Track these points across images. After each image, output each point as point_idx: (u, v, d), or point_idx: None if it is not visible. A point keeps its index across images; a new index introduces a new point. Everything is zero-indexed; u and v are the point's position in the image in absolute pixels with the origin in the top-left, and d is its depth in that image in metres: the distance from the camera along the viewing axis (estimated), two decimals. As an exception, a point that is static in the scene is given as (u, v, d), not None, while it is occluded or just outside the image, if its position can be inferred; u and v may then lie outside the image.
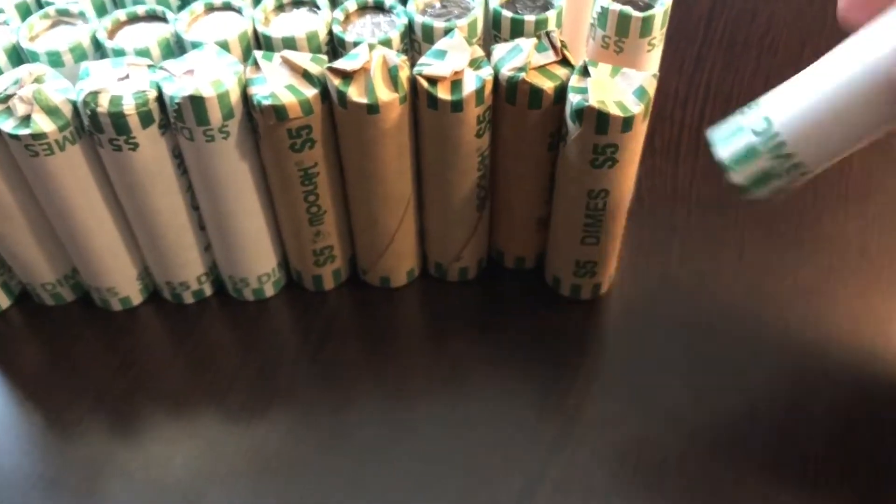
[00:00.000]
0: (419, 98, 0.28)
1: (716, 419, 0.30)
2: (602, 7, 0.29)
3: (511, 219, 0.33)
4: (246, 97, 0.27)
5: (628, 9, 0.28)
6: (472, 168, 0.30)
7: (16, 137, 0.27)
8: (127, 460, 0.30)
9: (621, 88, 0.27)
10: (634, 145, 0.28)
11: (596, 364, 0.32)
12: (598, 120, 0.26)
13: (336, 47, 0.29)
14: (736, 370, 0.31)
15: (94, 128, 0.27)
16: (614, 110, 0.26)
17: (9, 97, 0.27)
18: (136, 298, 0.34)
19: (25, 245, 0.31)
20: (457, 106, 0.27)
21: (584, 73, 0.27)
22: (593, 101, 0.26)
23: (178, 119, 0.27)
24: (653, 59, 0.30)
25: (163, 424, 0.30)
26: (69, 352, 0.33)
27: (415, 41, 0.29)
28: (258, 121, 0.27)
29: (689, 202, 0.37)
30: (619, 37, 0.29)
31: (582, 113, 0.26)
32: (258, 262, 0.33)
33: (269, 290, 0.34)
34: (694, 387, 0.31)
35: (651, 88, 0.27)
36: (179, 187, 0.29)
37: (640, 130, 0.27)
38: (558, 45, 0.28)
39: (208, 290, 0.34)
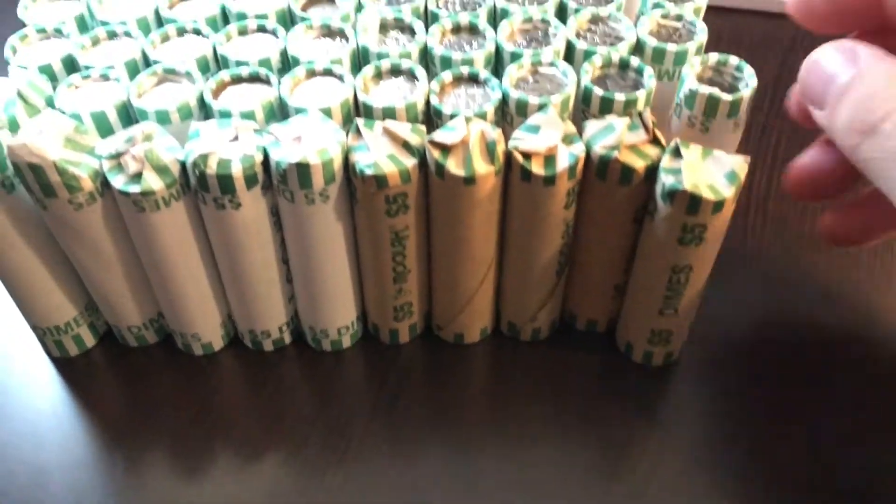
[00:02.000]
0: (512, 170, 0.29)
1: (786, 491, 0.30)
2: (691, 89, 0.30)
3: (588, 284, 0.33)
4: (347, 163, 0.28)
5: (717, 91, 0.29)
6: (556, 237, 0.30)
7: (125, 194, 0.28)
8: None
9: (713, 171, 0.28)
10: (722, 224, 0.28)
11: (667, 431, 0.32)
12: (690, 202, 0.27)
13: (432, 116, 0.30)
14: (807, 443, 0.32)
15: (201, 187, 0.28)
16: (707, 193, 0.27)
17: (120, 154, 0.28)
18: (218, 344, 0.35)
19: (118, 291, 0.32)
20: (549, 180, 0.28)
21: (676, 154, 0.28)
22: (687, 185, 0.27)
23: (282, 182, 0.28)
24: (737, 137, 0.31)
25: (240, 473, 0.31)
26: (150, 394, 0.34)
27: (507, 114, 0.30)
28: (357, 186, 0.28)
29: (758, 268, 0.38)
30: (707, 117, 0.30)
31: (675, 195, 0.27)
32: (340, 315, 0.33)
33: (347, 342, 0.35)
34: (765, 457, 0.31)
35: (742, 173, 0.27)
36: (273, 243, 0.30)
37: (730, 210, 0.28)
38: (650, 125, 0.29)
39: (287, 339, 0.35)
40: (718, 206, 0.27)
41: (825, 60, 0.25)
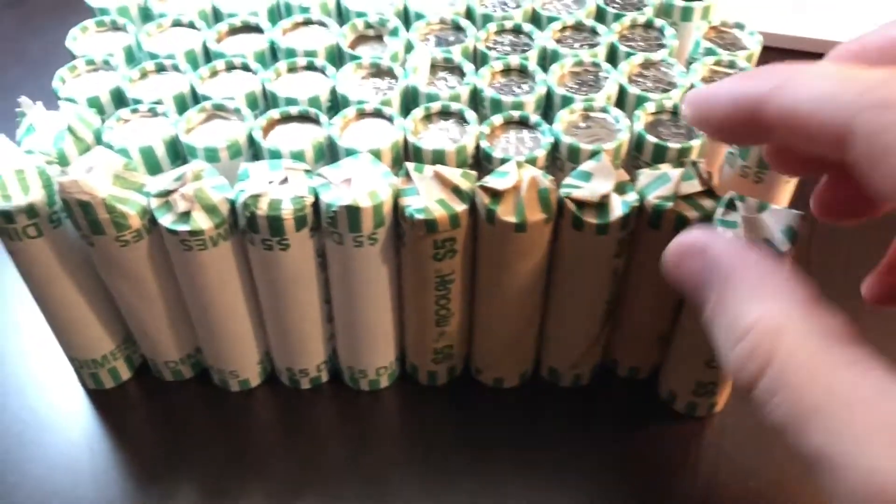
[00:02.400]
0: (563, 218, 0.28)
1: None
2: (746, 138, 0.29)
3: (632, 332, 0.33)
4: (396, 206, 0.28)
5: None
6: (605, 285, 0.30)
7: (173, 232, 0.27)
8: (240, 547, 0.30)
9: (769, 225, 0.27)
10: (776, 281, 0.28)
11: (704, 485, 0.32)
12: (746, 257, 0.26)
13: (481, 160, 0.30)
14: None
15: (250, 228, 0.28)
16: None
17: (169, 192, 0.28)
18: (255, 381, 0.34)
19: (158, 326, 0.32)
20: (602, 229, 0.28)
21: (731, 206, 0.27)
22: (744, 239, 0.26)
23: (331, 224, 0.28)
24: (789, 189, 0.31)
25: (276, 512, 0.31)
26: (186, 429, 0.33)
27: (558, 159, 0.30)
28: (406, 229, 0.28)
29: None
30: (761, 168, 0.29)
31: (731, 249, 0.27)
32: (379, 355, 0.33)
33: (384, 382, 0.34)
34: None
35: (798, 228, 0.27)
36: (317, 283, 0.30)
37: (784, 266, 0.27)
38: (705, 175, 0.28)
39: (324, 377, 0.35)
40: (775, 261, 0.27)
41: (689, 257, 0.21)
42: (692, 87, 0.32)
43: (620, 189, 0.28)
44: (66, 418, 0.34)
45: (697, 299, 0.21)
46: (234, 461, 0.32)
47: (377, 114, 0.30)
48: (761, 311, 0.18)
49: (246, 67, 0.33)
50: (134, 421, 0.34)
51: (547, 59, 0.34)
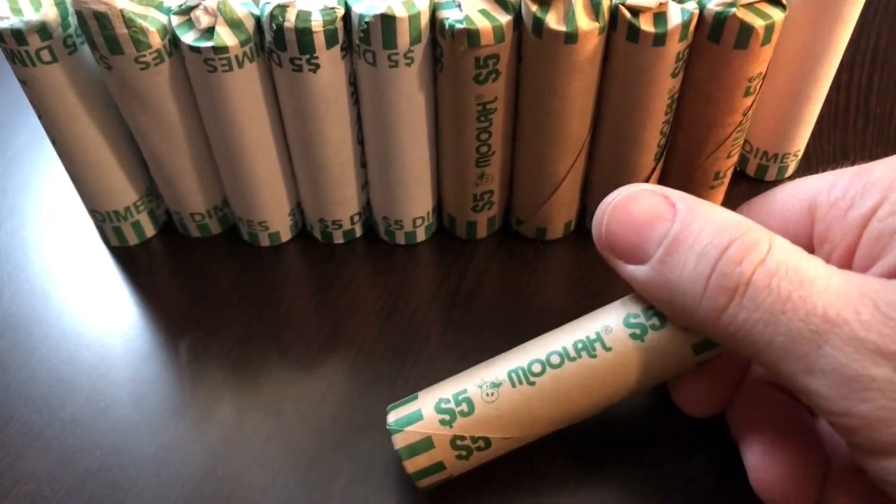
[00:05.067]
0: (617, 30, 0.26)
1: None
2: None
3: (686, 171, 0.31)
4: (434, 22, 0.26)
5: None
6: (659, 111, 0.28)
7: (196, 50, 0.26)
8: (276, 397, 0.29)
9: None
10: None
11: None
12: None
13: (524, -25, 0.27)
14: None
15: (277, 45, 0.26)
16: None
17: (191, 9, 0.26)
18: (286, 235, 0.33)
19: (182, 170, 0.30)
20: (659, 39, 0.25)
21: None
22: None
23: (364, 41, 0.26)
24: (853, 6, 0.28)
25: (305, 371, 0.29)
26: (214, 286, 0.32)
27: (608, -28, 0.28)
28: (444, 47, 0.26)
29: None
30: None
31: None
32: (416, 204, 0.31)
33: (421, 235, 0.33)
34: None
35: None
36: (350, 116, 0.28)
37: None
38: (771, -20, 0.26)
39: (358, 231, 0.33)
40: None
41: (636, 204, 0.22)
42: None
43: (678, -2, 0.26)
44: (90, 276, 0.32)
45: (648, 241, 0.22)
46: (266, 316, 0.31)
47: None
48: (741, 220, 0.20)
49: None
50: (160, 278, 0.33)
51: None
